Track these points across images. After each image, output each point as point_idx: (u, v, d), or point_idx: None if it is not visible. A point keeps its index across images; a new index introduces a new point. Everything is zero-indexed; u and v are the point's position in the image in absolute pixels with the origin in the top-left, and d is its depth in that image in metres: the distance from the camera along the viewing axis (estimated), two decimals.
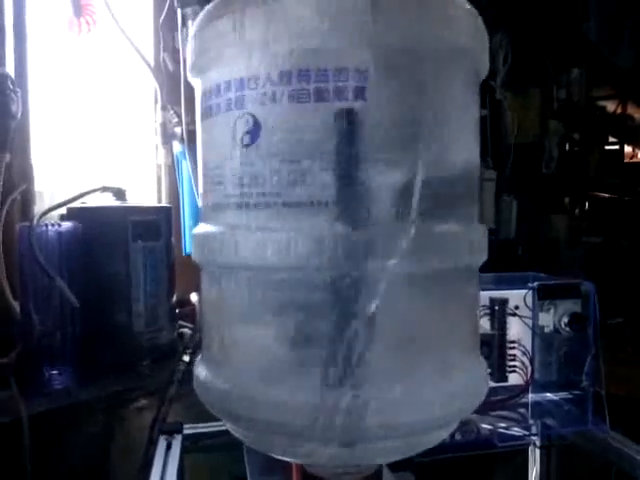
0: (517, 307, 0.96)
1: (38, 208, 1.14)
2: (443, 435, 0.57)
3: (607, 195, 2.31)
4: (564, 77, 2.13)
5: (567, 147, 2.18)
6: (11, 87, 1.05)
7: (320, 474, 0.59)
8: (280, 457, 0.58)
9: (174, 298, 1.22)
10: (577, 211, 2.25)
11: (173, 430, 0.90)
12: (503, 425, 0.93)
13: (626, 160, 2.66)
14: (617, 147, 2.52)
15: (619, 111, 2.44)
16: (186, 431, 0.91)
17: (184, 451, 0.87)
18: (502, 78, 1.92)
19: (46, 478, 0.98)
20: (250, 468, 0.83)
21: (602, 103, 2.40)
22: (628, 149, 2.71)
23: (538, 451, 1.06)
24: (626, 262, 2.03)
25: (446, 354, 0.54)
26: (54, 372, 1.00)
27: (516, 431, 0.94)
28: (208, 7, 0.56)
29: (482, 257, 0.58)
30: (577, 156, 2.21)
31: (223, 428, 0.62)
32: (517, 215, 1.97)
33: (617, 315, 1.80)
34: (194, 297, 1.31)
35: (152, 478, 0.78)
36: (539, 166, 2.04)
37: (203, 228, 0.59)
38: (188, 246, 1.38)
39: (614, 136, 2.49)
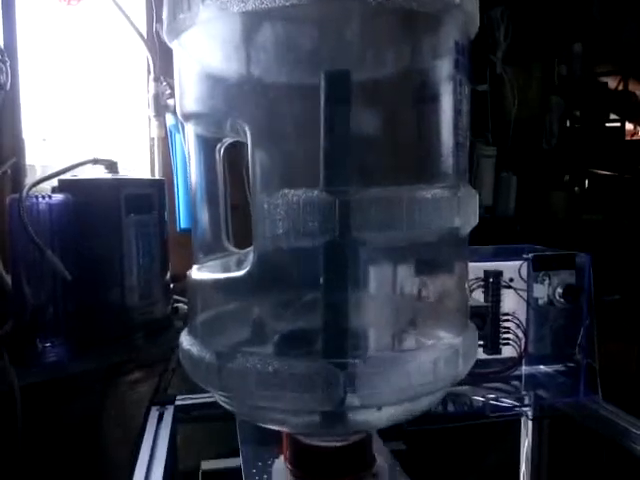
0: (512, 279, 0.95)
1: (29, 182, 1.13)
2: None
3: (607, 172, 2.29)
4: (566, 52, 2.10)
5: (568, 123, 2.16)
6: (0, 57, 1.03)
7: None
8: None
9: (168, 272, 1.21)
10: (577, 188, 2.23)
11: (165, 401, 0.90)
12: (496, 397, 0.93)
13: (627, 137, 2.63)
14: (618, 124, 2.49)
15: (620, 88, 2.41)
16: (178, 402, 0.91)
17: (176, 422, 0.87)
18: (503, 52, 1.89)
19: (39, 449, 0.98)
20: (242, 439, 0.83)
21: (604, 79, 2.36)
22: (629, 126, 2.68)
23: (530, 422, 1.06)
24: (625, 240, 2.02)
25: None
26: (47, 345, 1.00)
27: (508, 403, 0.94)
28: None
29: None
30: (578, 133, 2.18)
31: (215, 399, 0.62)
32: (516, 192, 1.95)
33: (615, 292, 1.80)
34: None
35: (143, 449, 0.78)
36: (539, 142, 2.01)
37: None
38: (182, 221, 1.36)
39: (616, 113, 2.46)
